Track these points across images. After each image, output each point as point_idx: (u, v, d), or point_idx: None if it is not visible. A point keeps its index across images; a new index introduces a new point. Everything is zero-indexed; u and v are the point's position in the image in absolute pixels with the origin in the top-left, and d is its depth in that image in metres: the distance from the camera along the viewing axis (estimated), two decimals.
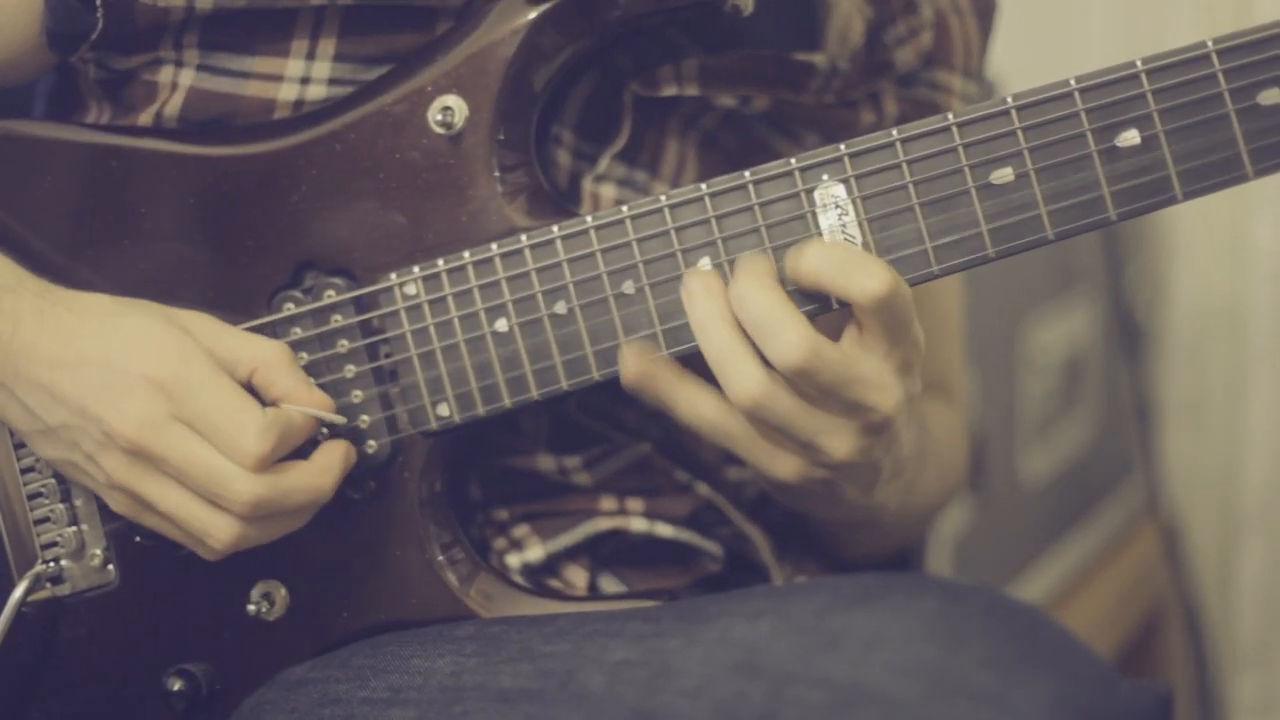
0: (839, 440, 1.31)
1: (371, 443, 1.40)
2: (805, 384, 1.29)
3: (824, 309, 1.32)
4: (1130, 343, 3.04)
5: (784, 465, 1.34)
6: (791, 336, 1.27)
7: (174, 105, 1.45)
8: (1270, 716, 3.08)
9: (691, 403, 1.34)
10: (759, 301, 1.29)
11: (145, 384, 1.32)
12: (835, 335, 1.31)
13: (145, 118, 1.46)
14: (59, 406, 1.34)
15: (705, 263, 1.34)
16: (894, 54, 1.55)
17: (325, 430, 1.38)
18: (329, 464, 1.36)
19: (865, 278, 1.28)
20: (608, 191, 1.48)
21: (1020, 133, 1.30)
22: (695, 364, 1.36)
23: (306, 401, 1.35)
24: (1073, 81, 1.29)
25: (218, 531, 1.34)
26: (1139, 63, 1.28)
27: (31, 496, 1.44)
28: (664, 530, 1.53)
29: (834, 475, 1.35)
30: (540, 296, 1.36)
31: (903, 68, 1.57)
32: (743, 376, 1.29)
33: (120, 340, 1.34)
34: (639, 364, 1.34)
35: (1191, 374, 3.21)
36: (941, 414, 1.67)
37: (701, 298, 1.31)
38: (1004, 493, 2.68)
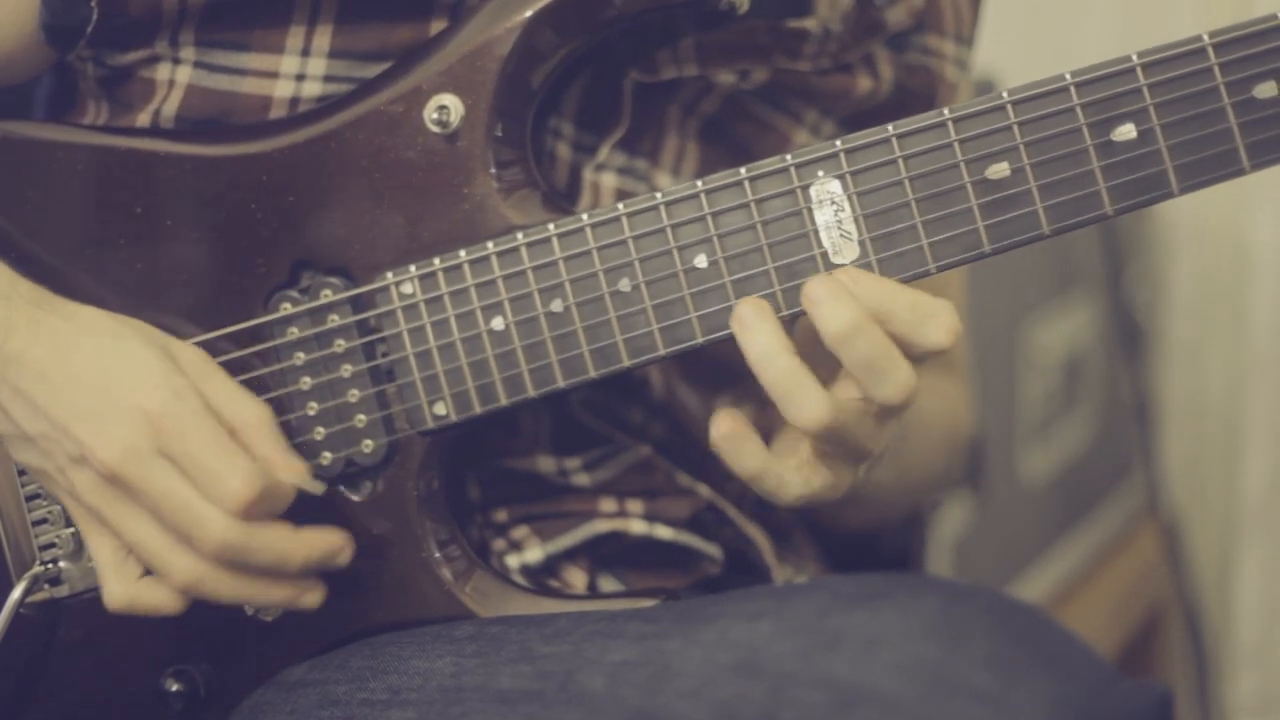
0: (880, 440, 1.33)
1: (368, 442, 1.40)
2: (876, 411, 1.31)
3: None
4: (1130, 343, 3.04)
5: (825, 479, 1.35)
6: (904, 376, 1.28)
7: (172, 104, 1.45)
8: (1270, 716, 3.08)
9: (780, 480, 1.34)
10: (872, 341, 1.29)
11: (136, 413, 1.32)
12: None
13: (143, 117, 1.47)
14: (40, 419, 1.34)
15: (701, 260, 1.34)
16: (885, 14, 1.55)
17: None
18: (310, 541, 1.35)
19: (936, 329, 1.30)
20: (608, 180, 1.48)
21: (1016, 127, 1.29)
22: (696, 355, 1.36)
23: (285, 469, 1.35)
24: (1068, 76, 1.29)
25: (177, 570, 1.33)
26: (1135, 56, 1.28)
27: (29, 498, 1.44)
28: (664, 532, 1.53)
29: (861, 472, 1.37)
30: (537, 295, 1.36)
31: (895, 27, 1.56)
32: (811, 402, 1.29)
33: (115, 365, 1.34)
34: (731, 427, 1.33)
35: (1191, 374, 3.21)
36: (938, 385, 1.67)
37: (758, 326, 1.31)
38: (1004, 493, 2.69)
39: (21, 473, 1.44)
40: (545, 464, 1.51)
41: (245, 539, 1.32)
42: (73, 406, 1.33)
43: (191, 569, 1.33)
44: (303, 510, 1.38)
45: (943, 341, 1.29)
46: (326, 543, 1.36)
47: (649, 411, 1.52)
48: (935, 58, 1.60)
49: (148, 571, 1.37)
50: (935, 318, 1.29)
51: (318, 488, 1.37)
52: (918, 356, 1.30)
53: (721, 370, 1.57)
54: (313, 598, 1.37)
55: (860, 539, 2.08)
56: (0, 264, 1.40)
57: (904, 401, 1.29)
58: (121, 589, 1.36)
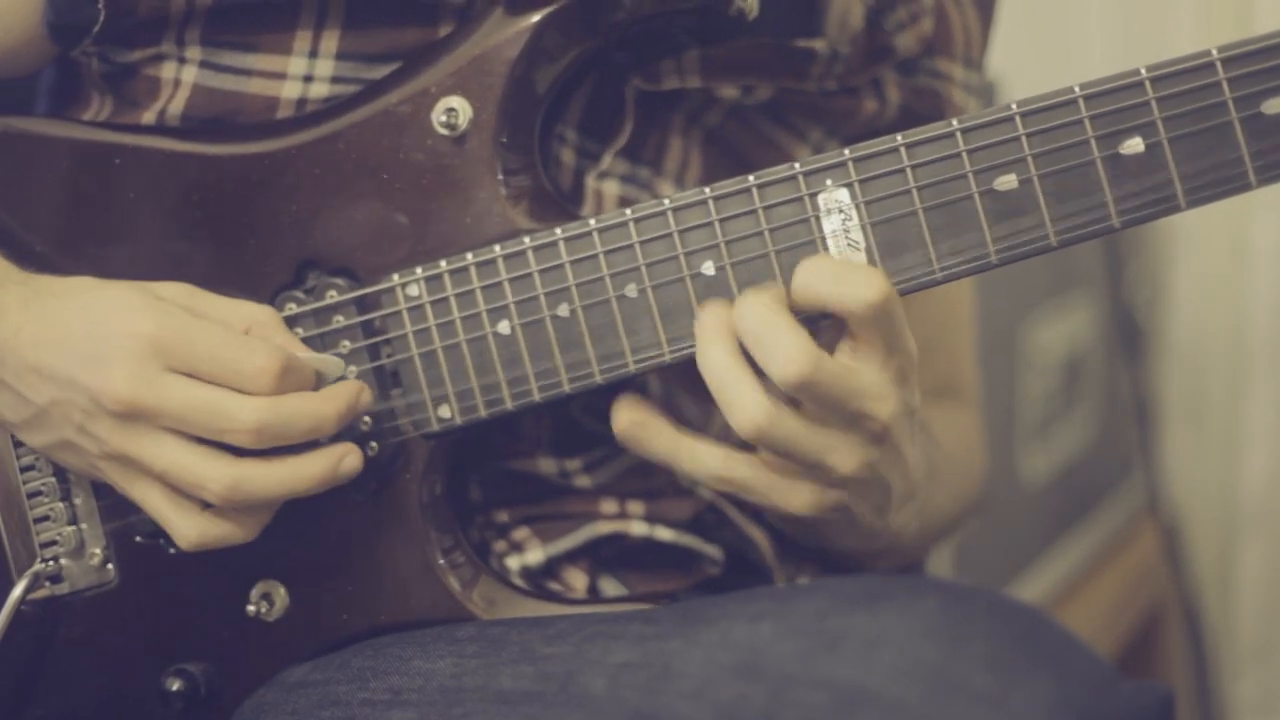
0: (844, 456, 1.31)
1: (373, 444, 1.40)
2: (807, 399, 1.28)
3: (811, 324, 1.31)
4: (1130, 343, 3.04)
5: (796, 497, 1.34)
6: (791, 351, 1.27)
7: (178, 103, 1.45)
8: (1270, 716, 3.08)
9: (694, 455, 1.35)
10: (758, 315, 1.28)
11: (131, 341, 1.31)
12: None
13: (149, 115, 1.46)
14: (47, 383, 1.34)
15: (709, 266, 1.34)
16: (894, 39, 1.55)
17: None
18: (335, 393, 1.35)
19: (859, 286, 1.27)
20: (611, 189, 1.47)
21: (1024, 139, 1.29)
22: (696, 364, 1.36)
23: (298, 348, 1.35)
24: (1077, 89, 1.29)
25: (215, 479, 1.32)
26: (1143, 70, 1.28)
27: (31, 495, 1.44)
28: (664, 534, 1.53)
29: (845, 497, 1.35)
30: (543, 298, 1.36)
31: (904, 53, 1.56)
32: (746, 400, 1.29)
33: (101, 309, 1.33)
34: (632, 415, 1.33)
35: (1191, 374, 3.21)
36: (952, 420, 1.67)
37: (707, 324, 1.31)
38: (1004, 493, 2.68)
39: (24, 469, 1.44)
40: (546, 465, 1.51)
41: (279, 413, 1.31)
42: (72, 358, 1.33)
43: (229, 472, 1.32)
44: (306, 508, 1.38)
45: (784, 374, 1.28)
46: (348, 390, 1.36)
47: None
48: (944, 81, 1.60)
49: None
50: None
51: (338, 367, 1.37)
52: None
53: None
54: (353, 460, 1.37)
55: None
56: None
57: (800, 378, 1.27)
58: (188, 525, 1.35)
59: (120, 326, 1.32)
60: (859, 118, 1.53)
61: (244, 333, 1.34)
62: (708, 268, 1.34)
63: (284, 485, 1.34)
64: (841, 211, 1.32)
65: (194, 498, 1.34)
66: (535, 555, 1.50)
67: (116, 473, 1.36)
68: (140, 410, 1.31)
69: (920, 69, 1.59)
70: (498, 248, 1.37)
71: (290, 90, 1.44)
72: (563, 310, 1.36)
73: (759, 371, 1.29)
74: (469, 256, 1.37)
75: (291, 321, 1.40)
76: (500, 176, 1.38)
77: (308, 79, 1.43)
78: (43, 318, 1.34)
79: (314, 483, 1.35)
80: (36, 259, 1.43)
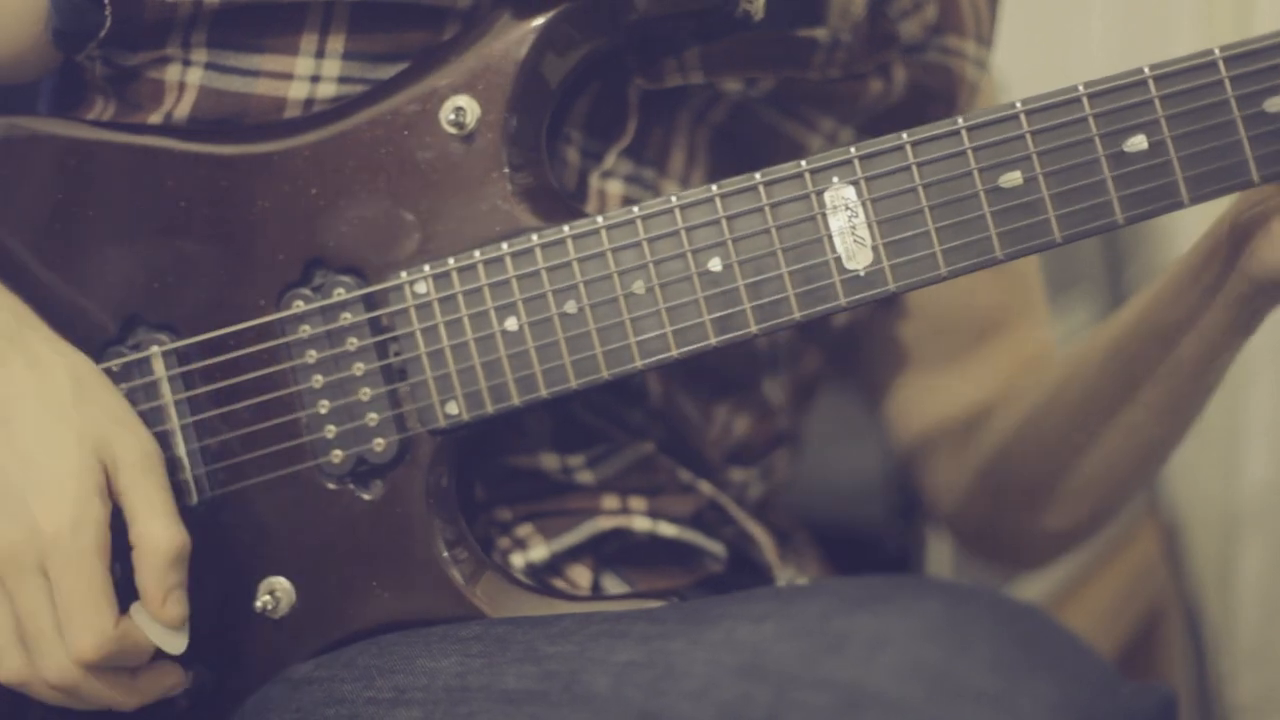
0: None
1: (379, 441, 1.40)
2: None
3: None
4: None
5: None
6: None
7: (184, 107, 1.45)
8: (1270, 716, 3.08)
9: None
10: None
11: (31, 525, 1.30)
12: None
13: (155, 119, 1.46)
14: None
15: (716, 263, 1.34)
16: (898, 26, 1.55)
17: None
18: (145, 686, 1.36)
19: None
20: (614, 188, 1.48)
21: (1029, 137, 1.30)
22: (696, 363, 1.37)
23: (159, 608, 1.33)
24: (1081, 87, 1.29)
25: (10, 669, 1.33)
26: (1147, 69, 1.29)
27: None
28: (667, 530, 1.53)
29: None
30: (550, 296, 1.37)
31: (908, 40, 1.57)
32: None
33: (36, 461, 1.32)
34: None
35: None
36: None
37: None
38: None
39: None
40: (549, 462, 1.51)
41: (79, 684, 1.32)
42: None
43: (23, 677, 1.33)
44: (312, 505, 1.39)
45: None
46: (161, 686, 1.37)
47: (648, 416, 1.53)
48: (955, 57, 1.60)
49: None
50: None
51: (177, 646, 1.35)
52: None
53: (720, 379, 1.58)
54: (174, 684, 1.39)
55: (860, 540, 2.09)
56: None
57: None
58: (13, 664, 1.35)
59: (33, 503, 1.31)
60: (865, 99, 1.54)
61: (132, 549, 1.33)
62: (714, 264, 1.34)
63: (66, 705, 1.36)
64: (848, 209, 1.33)
65: None
66: (539, 552, 1.50)
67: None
68: (4, 574, 1.31)
69: (930, 46, 1.60)
70: (505, 245, 1.37)
71: (297, 91, 1.44)
72: (570, 307, 1.37)
73: None
74: (476, 254, 1.38)
75: (298, 319, 1.41)
76: (507, 175, 1.39)
77: (315, 79, 1.43)
78: None
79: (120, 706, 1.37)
80: (42, 254, 1.43)
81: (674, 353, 1.35)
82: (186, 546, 1.34)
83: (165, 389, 1.42)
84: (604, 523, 1.52)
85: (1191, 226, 3.09)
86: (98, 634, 1.31)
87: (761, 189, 1.34)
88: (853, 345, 1.74)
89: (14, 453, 1.33)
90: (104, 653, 1.31)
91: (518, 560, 1.50)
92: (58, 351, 1.38)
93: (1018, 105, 1.30)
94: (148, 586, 1.33)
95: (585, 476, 1.52)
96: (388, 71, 1.43)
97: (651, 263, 1.35)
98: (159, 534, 1.33)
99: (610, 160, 1.48)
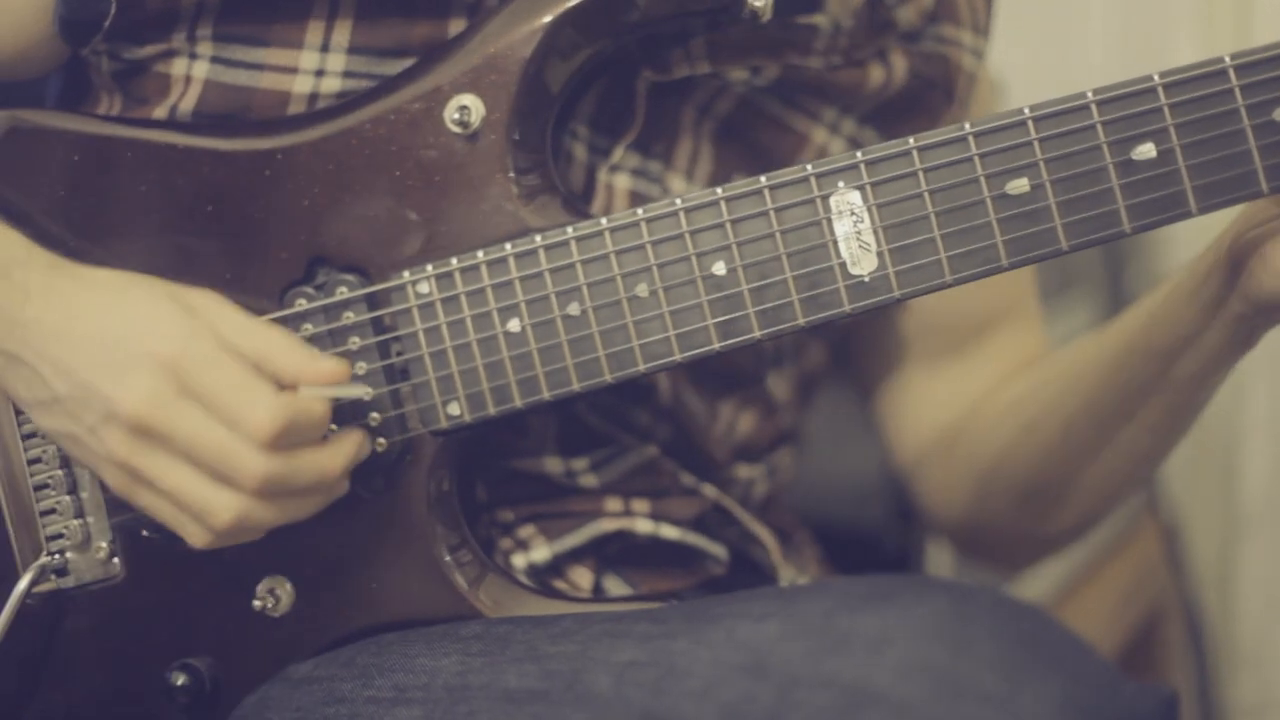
0: None
1: (381, 440, 1.40)
2: None
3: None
4: None
5: None
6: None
7: (189, 100, 1.45)
8: (1270, 716, 3.08)
9: None
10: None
11: (152, 361, 1.30)
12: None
13: (160, 113, 1.46)
14: (63, 379, 1.33)
15: (720, 267, 1.34)
16: (895, 13, 1.55)
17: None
18: (340, 448, 1.34)
19: None
20: (622, 182, 1.48)
21: (1037, 144, 1.30)
22: (704, 362, 1.36)
23: (315, 376, 1.33)
24: (1090, 94, 1.29)
25: (220, 509, 1.31)
26: (1156, 76, 1.28)
27: (38, 487, 1.44)
28: (669, 532, 1.53)
29: None
30: (554, 297, 1.36)
31: (905, 26, 1.57)
32: None
33: (126, 317, 1.33)
34: None
35: None
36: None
37: None
38: None
39: (31, 461, 1.44)
40: (552, 465, 1.51)
41: (282, 470, 1.31)
42: (91, 363, 1.32)
43: (234, 507, 1.31)
44: None
45: None
46: (355, 442, 1.36)
47: (655, 415, 1.53)
48: (952, 46, 1.60)
49: None
50: None
51: (360, 391, 1.36)
52: None
53: (727, 377, 1.57)
54: (342, 487, 1.37)
55: (861, 540, 2.09)
56: (17, 234, 1.40)
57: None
58: (198, 533, 1.34)
59: (144, 342, 1.31)
60: (866, 88, 1.53)
61: (257, 361, 1.33)
62: (719, 268, 1.34)
63: (287, 518, 1.35)
64: (853, 214, 1.32)
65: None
66: (541, 553, 1.50)
67: (122, 479, 1.34)
68: (151, 430, 1.30)
69: (927, 35, 1.59)
70: (509, 246, 1.37)
71: (302, 85, 1.43)
72: (573, 309, 1.36)
73: None
74: (480, 254, 1.37)
75: (301, 318, 1.40)
76: (512, 175, 1.38)
77: (319, 73, 1.43)
78: (68, 310, 1.34)
79: (313, 511, 1.36)
80: (54, 248, 1.42)
81: (677, 356, 1.35)
82: (292, 335, 1.37)
83: None
84: (606, 524, 1.52)
85: (1192, 228, 3.10)
86: (265, 406, 1.29)
87: (767, 193, 1.33)
88: (852, 341, 1.74)
89: (103, 321, 1.33)
90: (280, 421, 1.29)
91: (519, 561, 1.50)
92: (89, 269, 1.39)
93: (1025, 112, 1.30)
94: (296, 371, 1.33)
95: (589, 480, 1.51)
96: (392, 67, 1.42)
97: (656, 266, 1.35)
98: (267, 337, 1.33)
99: (618, 154, 1.48)
